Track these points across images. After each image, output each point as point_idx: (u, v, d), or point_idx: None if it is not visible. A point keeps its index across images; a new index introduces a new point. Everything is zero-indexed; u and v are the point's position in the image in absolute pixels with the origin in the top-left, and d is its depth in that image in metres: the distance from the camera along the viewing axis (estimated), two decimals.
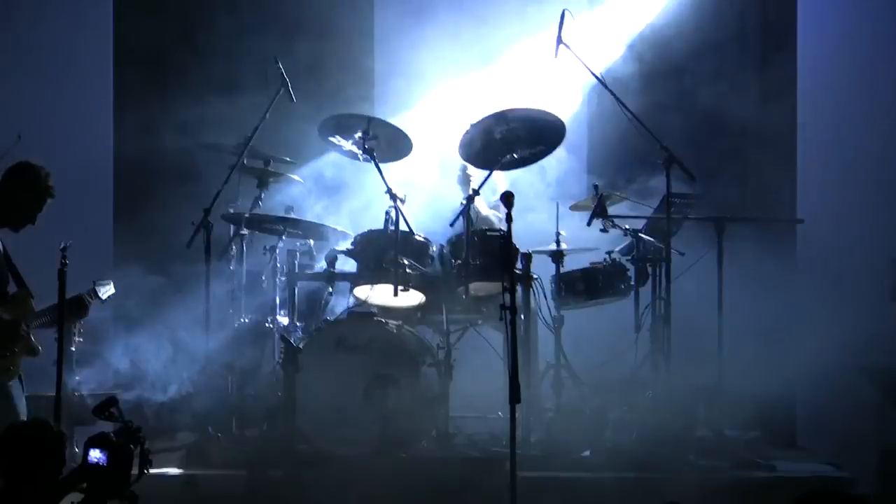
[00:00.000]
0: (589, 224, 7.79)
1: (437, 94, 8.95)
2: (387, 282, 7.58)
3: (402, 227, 7.62)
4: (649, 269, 7.86)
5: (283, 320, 7.75)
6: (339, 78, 8.98)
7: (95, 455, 4.71)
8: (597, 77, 7.81)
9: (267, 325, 7.76)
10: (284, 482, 7.05)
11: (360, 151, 7.87)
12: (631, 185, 8.20)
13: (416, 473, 7.12)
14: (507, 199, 6.41)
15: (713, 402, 7.77)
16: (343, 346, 7.38)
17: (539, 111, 7.87)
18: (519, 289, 7.21)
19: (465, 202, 7.62)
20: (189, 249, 7.64)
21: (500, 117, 7.73)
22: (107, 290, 7.02)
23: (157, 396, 7.93)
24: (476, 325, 7.93)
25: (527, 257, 7.75)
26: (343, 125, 7.91)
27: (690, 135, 8.80)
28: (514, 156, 7.83)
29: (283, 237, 7.84)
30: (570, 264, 8.00)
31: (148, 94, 9.15)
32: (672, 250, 7.55)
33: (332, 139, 7.95)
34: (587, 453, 7.44)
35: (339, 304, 7.91)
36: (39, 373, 6.91)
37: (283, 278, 7.80)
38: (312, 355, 7.32)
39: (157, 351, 8.23)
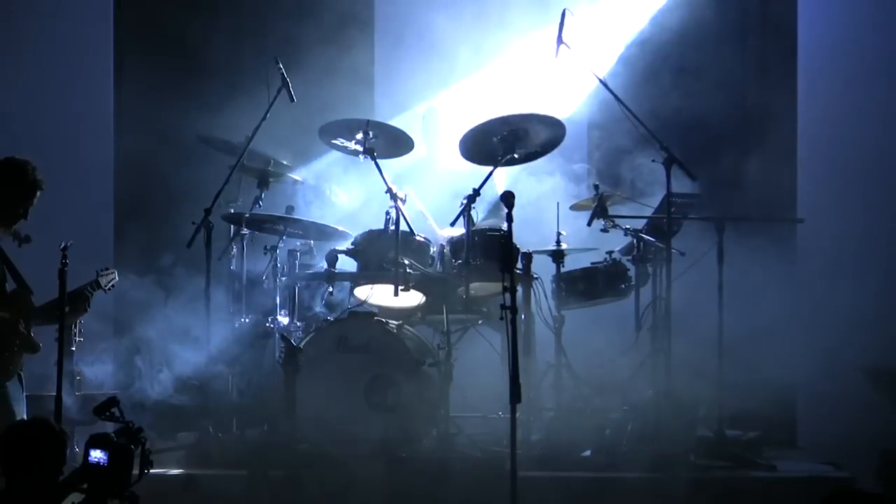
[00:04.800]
0: (590, 224, 7.79)
1: (438, 93, 8.96)
2: (387, 282, 7.58)
3: (403, 226, 7.63)
4: (650, 269, 7.86)
5: (284, 320, 7.75)
6: (339, 77, 8.98)
7: (96, 455, 4.71)
8: (597, 77, 7.80)
9: (267, 324, 7.76)
10: (285, 482, 7.05)
11: (361, 150, 7.87)
12: (631, 184, 8.20)
13: (416, 473, 7.11)
14: (508, 199, 6.41)
15: (713, 402, 7.77)
16: (343, 346, 7.38)
17: (539, 115, 7.87)
18: (519, 289, 7.21)
19: (465, 202, 7.61)
20: (189, 249, 7.64)
21: (501, 121, 7.72)
22: (110, 279, 7.00)
23: (158, 396, 7.93)
24: (476, 324, 7.94)
25: (527, 257, 7.76)
26: (343, 128, 7.91)
27: (691, 134, 8.79)
28: (515, 156, 7.83)
29: (284, 237, 7.84)
30: (570, 264, 8.01)
31: (149, 94, 9.15)
32: (673, 250, 7.54)
33: (333, 141, 7.95)
34: (588, 453, 7.44)
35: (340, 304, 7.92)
36: (40, 374, 6.91)
37: (284, 278, 7.80)
38: (313, 355, 7.31)
39: (157, 350, 8.24)
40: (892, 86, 9.06)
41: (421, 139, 8.56)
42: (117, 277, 7.04)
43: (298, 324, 7.79)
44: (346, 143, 7.90)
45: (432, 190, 8.40)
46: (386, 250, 7.61)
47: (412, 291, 7.62)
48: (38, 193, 6.67)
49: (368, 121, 7.89)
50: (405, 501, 7.05)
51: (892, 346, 8.60)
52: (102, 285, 6.93)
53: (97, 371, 7.93)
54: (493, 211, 8.26)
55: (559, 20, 7.55)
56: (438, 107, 8.78)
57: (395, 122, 8.30)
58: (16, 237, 6.61)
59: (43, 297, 6.63)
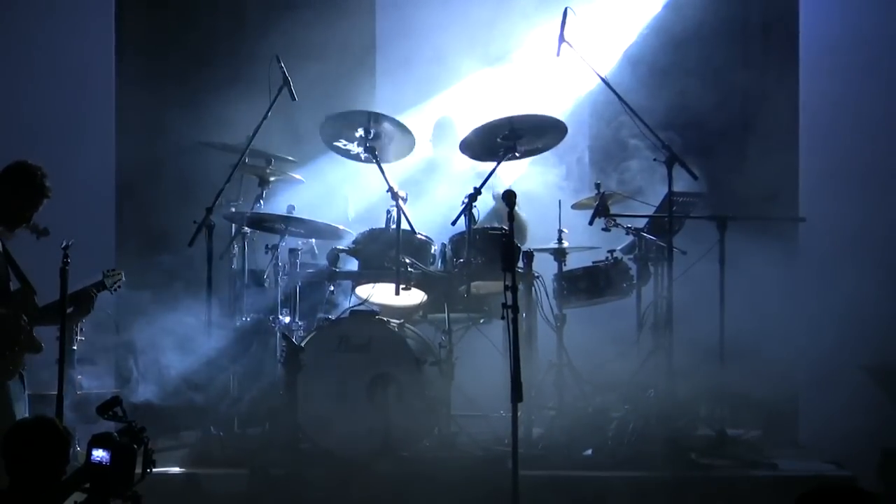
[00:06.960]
0: (591, 223, 7.78)
1: (440, 93, 8.97)
2: (388, 280, 7.58)
3: (404, 225, 7.62)
4: (651, 268, 7.86)
5: (285, 319, 7.76)
6: (341, 76, 8.98)
7: (99, 454, 4.71)
8: (599, 75, 7.79)
9: (269, 323, 7.76)
10: (286, 481, 7.06)
11: (362, 150, 7.87)
12: (633, 183, 8.20)
13: (418, 473, 7.12)
14: (509, 197, 6.41)
15: (715, 401, 7.77)
16: (345, 345, 7.37)
17: (542, 116, 7.86)
18: (521, 287, 7.20)
19: (466, 200, 7.61)
20: (191, 248, 7.64)
21: (503, 122, 7.71)
22: (115, 280, 6.98)
23: (159, 396, 7.94)
24: (478, 323, 7.93)
25: (528, 256, 7.75)
26: (344, 124, 7.89)
27: (692, 132, 8.78)
28: (516, 154, 7.82)
29: (285, 236, 7.84)
30: (572, 263, 8.00)
31: (150, 92, 9.15)
32: (674, 249, 7.54)
33: (334, 143, 7.95)
34: (589, 452, 7.43)
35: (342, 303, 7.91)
36: (39, 374, 6.90)
37: (285, 277, 7.80)
38: (314, 354, 7.31)
39: (158, 350, 8.24)
40: (894, 82, 9.05)
41: (430, 143, 8.59)
42: (124, 279, 7.03)
43: (300, 323, 7.79)
44: (348, 145, 7.90)
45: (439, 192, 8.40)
46: (387, 249, 7.61)
47: (413, 290, 7.62)
48: (45, 201, 6.65)
49: (371, 113, 7.87)
50: (406, 500, 7.06)
51: (893, 344, 8.60)
52: (108, 286, 6.92)
53: (97, 371, 7.93)
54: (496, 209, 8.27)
55: (561, 18, 7.55)
56: (452, 117, 8.75)
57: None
58: (34, 230, 6.61)
59: (45, 294, 6.63)
